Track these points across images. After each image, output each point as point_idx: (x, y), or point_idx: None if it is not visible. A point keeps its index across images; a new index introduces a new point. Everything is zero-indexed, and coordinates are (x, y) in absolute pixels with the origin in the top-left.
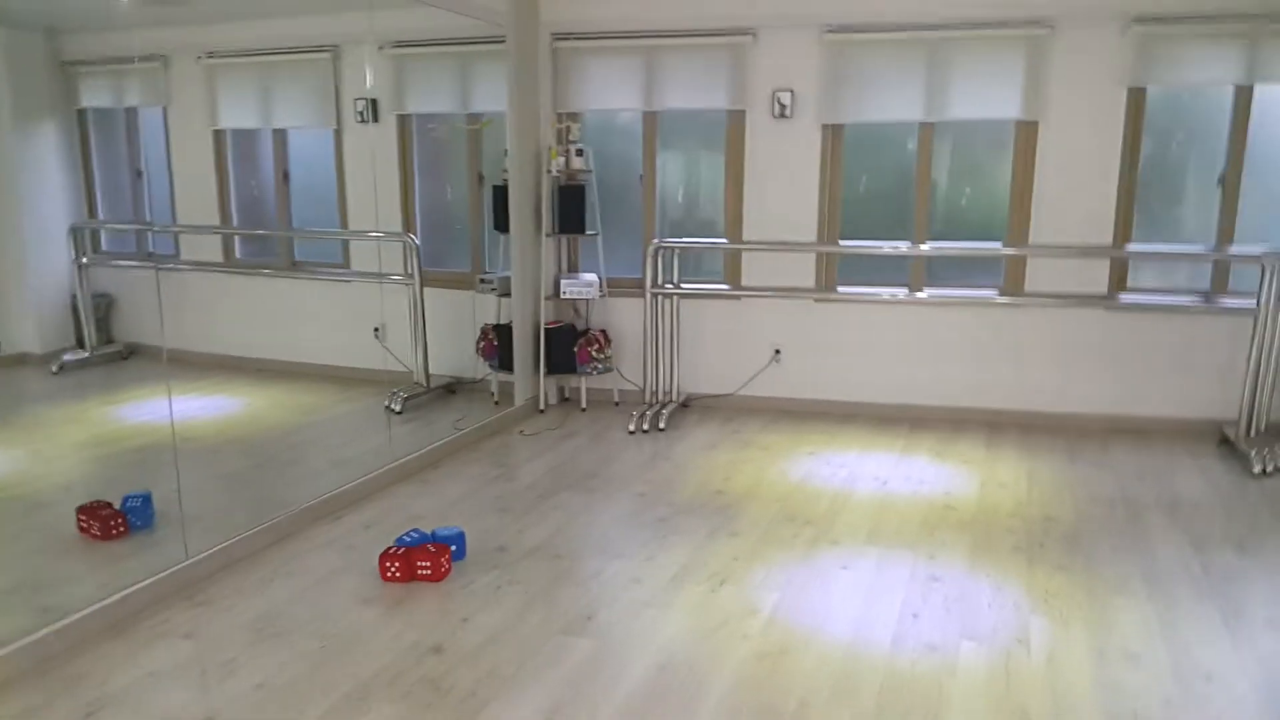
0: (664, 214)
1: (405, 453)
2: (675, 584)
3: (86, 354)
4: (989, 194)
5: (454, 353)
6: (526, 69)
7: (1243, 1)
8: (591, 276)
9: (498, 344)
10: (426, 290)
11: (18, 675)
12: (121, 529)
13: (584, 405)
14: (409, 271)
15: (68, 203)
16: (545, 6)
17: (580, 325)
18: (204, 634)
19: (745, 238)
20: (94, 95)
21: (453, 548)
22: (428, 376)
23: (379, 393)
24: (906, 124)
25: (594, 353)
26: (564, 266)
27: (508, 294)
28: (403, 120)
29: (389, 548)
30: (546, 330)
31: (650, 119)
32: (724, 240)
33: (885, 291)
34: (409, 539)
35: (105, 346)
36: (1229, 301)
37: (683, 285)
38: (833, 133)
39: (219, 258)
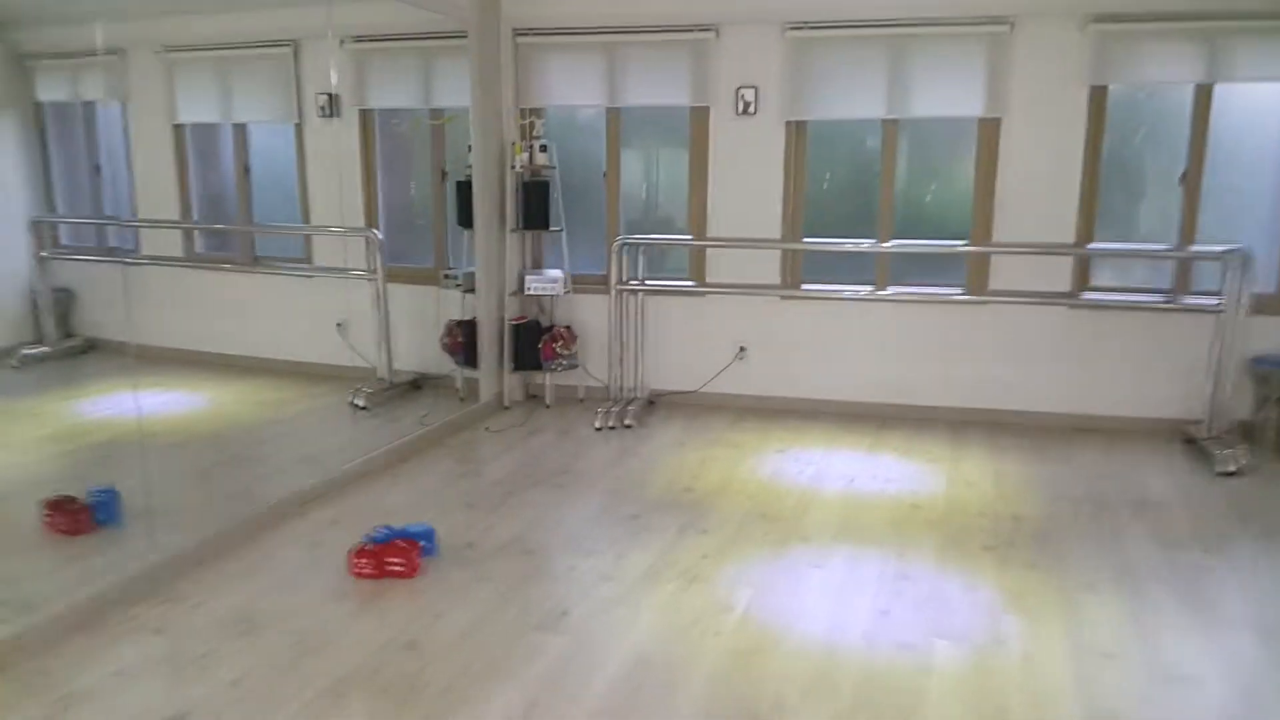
0: (628, 211)
1: (371, 449)
2: (647, 581)
3: (47, 348)
4: (951, 192)
5: (419, 348)
6: (489, 64)
7: (1201, 1)
8: (556, 273)
9: (462, 340)
10: (390, 286)
11: None
12: (88, 524)
13: (549, 402)
14: (372, 267)
15: (26, 197)
16: (507, 2)
17: (545, 321)
18: (174, 630)
19: (709, 234)
20: (52, 89)
21: (423, 544)
22: (392, 372)
23: (343, 388)
24: (869, 121)
25: (559, 349)
26: (528, 262)
27: (472, 289)
28: (365, 115)
29: (359, 544)
30: (511, 326)
31: (613, 115)
32: (688, 237)
33: (850, 289)
34: (379, 535)
35: (65, 341)
36: (1191, 300)
37: (647, 282)
38: (796, 129)
39: (180, 252)
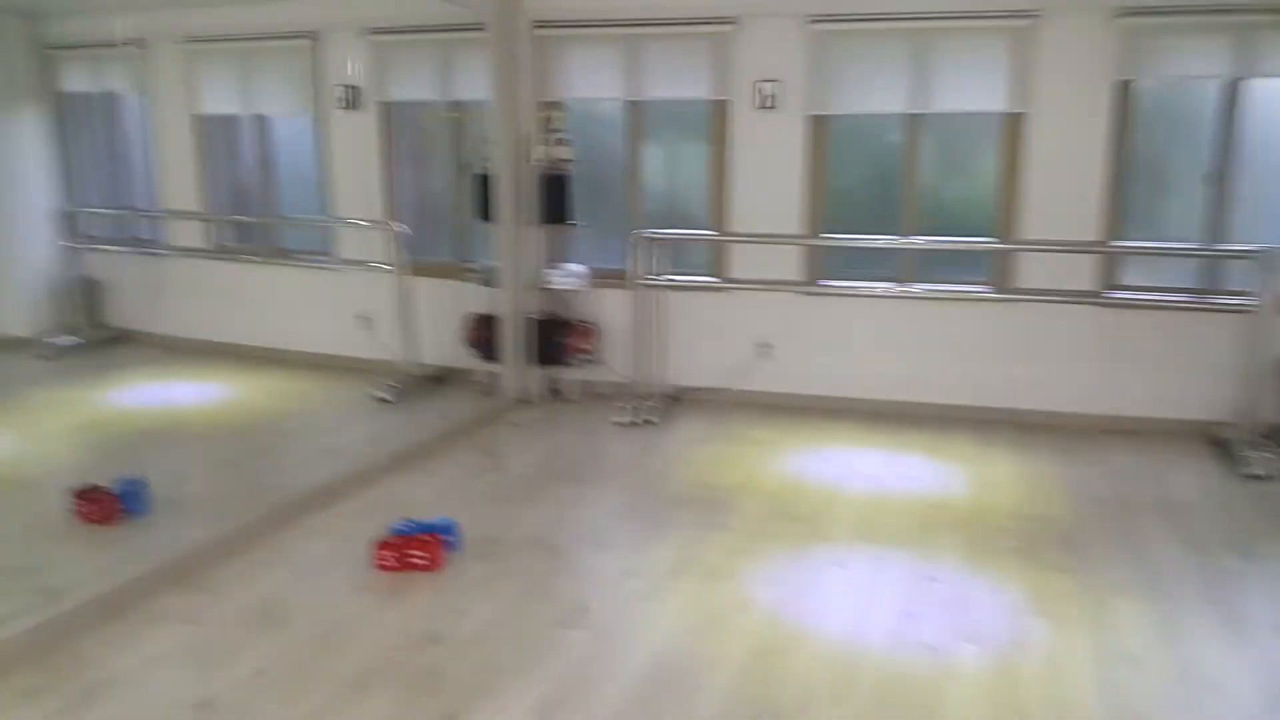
0: (648, 205)
1: (395, 442)
2: (669, 578)
3: (77, 339)
4: (975, 188)
5: (441, 342)
6: (508, 57)
7: None
8: (577, 267)
9: (484, 334)
10: (412, 279)
11: (16, 658)
12: (117, 514)
13: (572, 397)
14: (394, 259)
15: (51, 187)
16: None
17: (566, 316)
18: (202, 619)
19: (730, 229)
20: (75, 80)
21: (446, 538)
22: (415, 366)
23: (366, 381)
24: (892, 116)
25: (581, 344)
26: (549, 257)
27: (492, 283)
28: (385, 107)
29: (383, 537)
30: (533, 321)
31: (633, 109)
32: (707, 232)
33: (873, 285)
34: (402, 528)
35: (96, 331)
36: (1221, 300)
37: (668, 277)
38: (817, 124)
39: (203, 244)
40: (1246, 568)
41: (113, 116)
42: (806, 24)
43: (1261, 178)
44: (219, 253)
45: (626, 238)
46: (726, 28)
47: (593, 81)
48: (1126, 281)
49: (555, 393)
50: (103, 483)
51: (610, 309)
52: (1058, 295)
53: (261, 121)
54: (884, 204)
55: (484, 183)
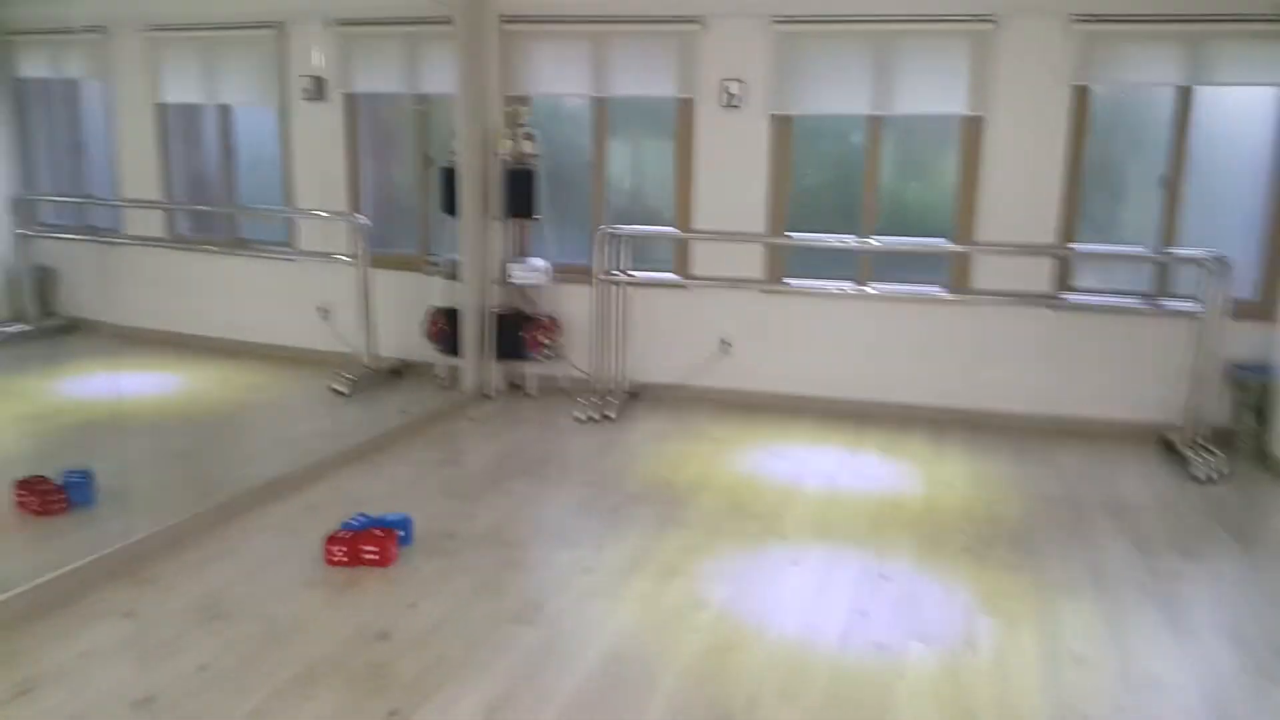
0: (613, 201)
1: (351, 435)
2: (625, 574)
3: (27, 327)
4: (934, 189)
5: (401, 335)
6: (475, 51)
7: (1184, 2)
8: (541, 262)
9: (445, 328)
10: (373, 271)
11: None
12: (61, 505)
13: (532, 392)
14: (355, 252)
15: (7, 174)
16: None
17: (529, 311)
18: (145, 613)
19: (694, 227)
20: (34, 65)
21: (400, 533)
22: (374, 358)
23: (324, 374)
24: (854, 117)
25: (542, 339)
26: (513, 251)
27: (455, 277)
28: (350, 99)
29: (334, 531)
30: (495, 315)
31: (599, 105)
32: (671, 228)
33: (833, 285)
34: (355, 523)
35: (46, 320)
36: (1171, 304)
37: (631, 273)
38: (781, 124)
39: (162, 233)
40: (1193, 569)
41: (73, 103)
42: (771, 24)
43: (1212, 184)
44: (177, 242)
45: (591, 233)
46: (693, 27)
47: (559, 77)
48: (1081, 284)
49: (515, 387)
50: (47, 474)
51: (572, 304)
52: (1013, 297)
53: (225, 111)
54: (846, 204)
55: (449, 176)
